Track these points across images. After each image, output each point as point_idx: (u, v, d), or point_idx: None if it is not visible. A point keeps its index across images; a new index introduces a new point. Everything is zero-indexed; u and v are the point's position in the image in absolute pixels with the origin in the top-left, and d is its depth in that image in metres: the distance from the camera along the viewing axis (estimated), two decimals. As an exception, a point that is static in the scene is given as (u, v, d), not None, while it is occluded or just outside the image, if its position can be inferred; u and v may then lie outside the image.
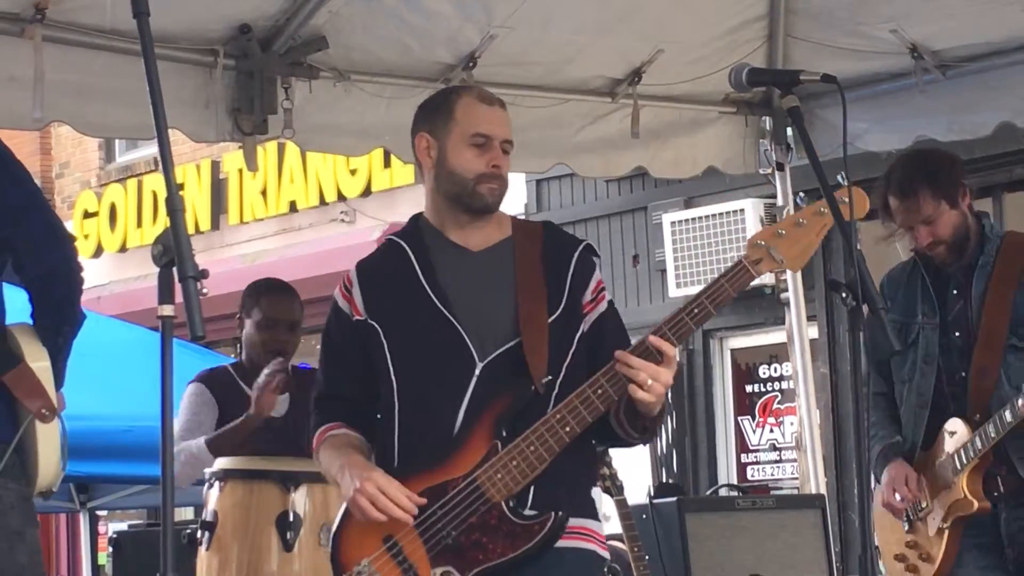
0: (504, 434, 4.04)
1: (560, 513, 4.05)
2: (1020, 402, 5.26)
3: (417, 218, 4.33)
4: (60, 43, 6.05)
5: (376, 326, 4.19)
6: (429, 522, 4.03)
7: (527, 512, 4.04)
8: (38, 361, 4.54)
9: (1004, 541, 5.50)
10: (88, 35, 6.11)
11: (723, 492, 10.25)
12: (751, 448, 12.44)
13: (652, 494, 7.36)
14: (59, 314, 4.77)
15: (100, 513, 13.42)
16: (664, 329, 4.02)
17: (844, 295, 4.15)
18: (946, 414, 5.53)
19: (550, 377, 4.11)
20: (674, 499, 7.13)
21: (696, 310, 4.04)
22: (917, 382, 5.61)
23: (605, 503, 7.52)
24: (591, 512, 4.18)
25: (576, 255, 4.25)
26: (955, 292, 5.59)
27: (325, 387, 4.34)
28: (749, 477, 12.37)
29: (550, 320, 4.15)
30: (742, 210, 11.78)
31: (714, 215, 11.96)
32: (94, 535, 12.14)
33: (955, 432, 5.50)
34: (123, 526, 14.08)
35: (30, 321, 4.67)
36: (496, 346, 4.12)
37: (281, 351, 6.29)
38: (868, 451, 5.60)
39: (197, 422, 6.30)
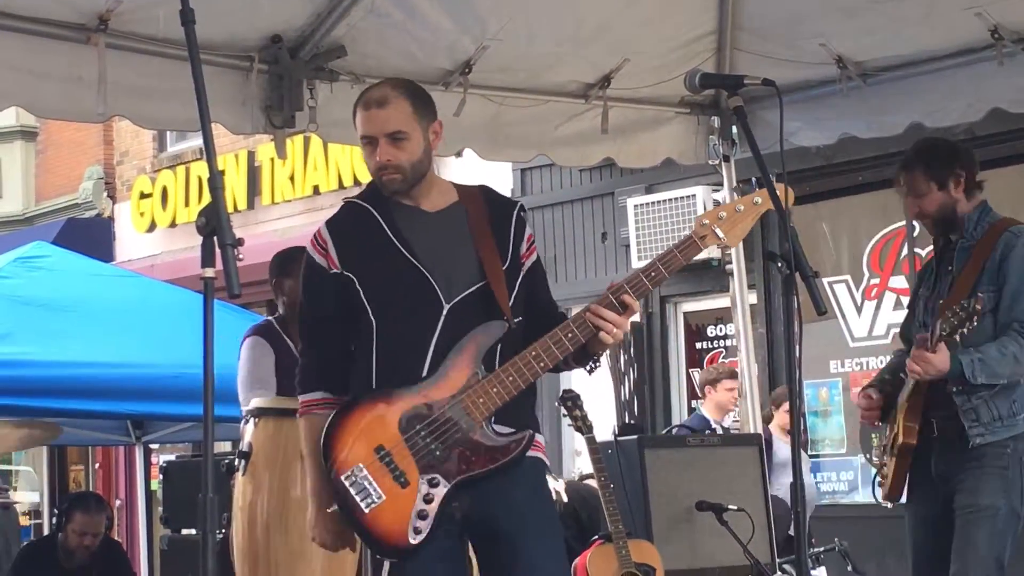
0: (483, 365, 4.05)
1: (531, 432, 4.11)
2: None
3: (374, 184, 4.28)
4: (120, 49, 6.02)
5: (352, 276, 4.14)
6: (417, 436, 4.02)
7: (503, 430, 4.07)
8: None
9: (935, 480, 5.48)
10: (144, 43, 6.08)
11: (676, 431, 10.24)
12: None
13: (616, 433, 7.37)
14: None
15: (152, 446, 13.43)
16: (626, 287, 4.07)
17: (780, 265, 4.15)
18: None
19: (520, 318, 4.14)
20: (635, 437, 7.12)
21: (653, 273, 4.11)
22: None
23: (576, 440, 7.54)
24: (537, 426, 4.20)
25: (515, 214, 4.27)
26: (949, 268, 5.53)
27: (309, 338, 4.28)
28: (698, 419, 12.37)
29: (504, 268, 4.16)
30: (694, 195, 11.79)
31: (670, 199, 11.96)
32: (147, 465, 12.17)
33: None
34: (171, 457, 14.10)
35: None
36: (461, 290, 4.11)
37: None
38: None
39: (258, 373, 6.25)
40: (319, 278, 4.21)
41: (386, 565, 4.08)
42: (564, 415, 6.74)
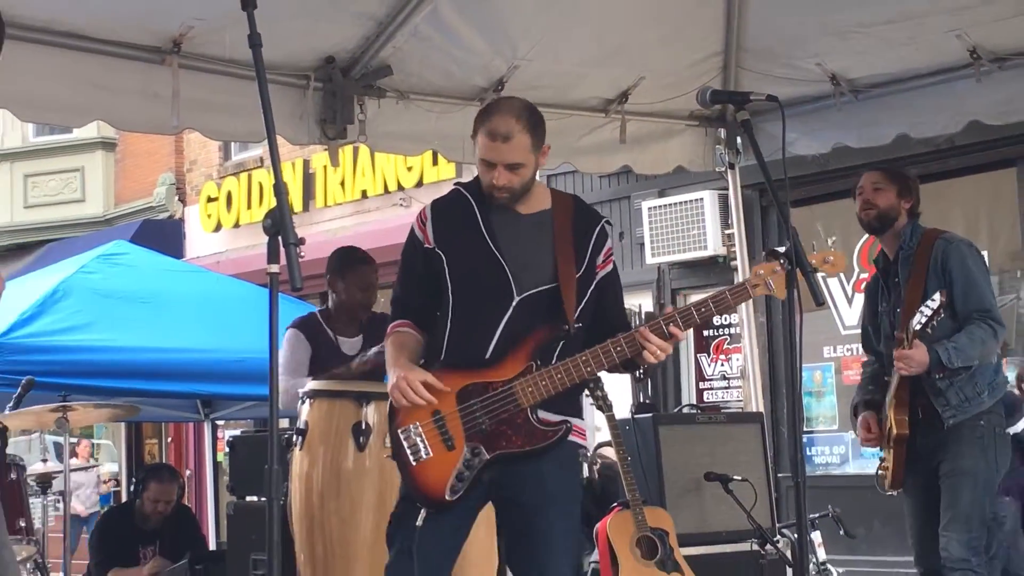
0: (539, 359, 4.10)
1: (569, 424, 4.15)
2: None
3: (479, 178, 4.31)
4: (191, 69, 6.04)
5: (441, 254, 4.21)
6: (470, 409, 4.09)
7: (546, 417, 4.12)
8: None
9: (920, 453, 5.59)
10: (212, 63, 6.10)
11: (686, 410, 10.21)
12: (707, 377, 12.42)
13: (633, 411, 7.33)
14: None
15: (219, 422, 13.46)
16: (677, 317, 4.12)
17: (781, 261, 4.14)
18: None
19: (579, 325, 4.15)
20: (650, 415, 7.10)
21: (703, 309, 4.16)
22: (886, 353, 5.70)
23: (597, 417, 7.51)
24: (580, 413, 4.24)
25: (598, 227, 4.29)
26: (897, 280, 5.69)
27: (400, 293, 4.35)
28: (705, 399, 12.36)
29: (577, 275, 4.18)
30: (702, 199, 11.77)
31: (681, 202, 11.94)
32: (215, 439, 12.22)
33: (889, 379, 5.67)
34: (236, 432, 14.13)
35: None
36: (532, 286, 4.14)
37: (370, 305, 6.35)
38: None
39: (296, 361, 6.25)
40: (414, 249, 4.29)
41: (422, 512, 4.14)
42: (586, 395, 6.71)
